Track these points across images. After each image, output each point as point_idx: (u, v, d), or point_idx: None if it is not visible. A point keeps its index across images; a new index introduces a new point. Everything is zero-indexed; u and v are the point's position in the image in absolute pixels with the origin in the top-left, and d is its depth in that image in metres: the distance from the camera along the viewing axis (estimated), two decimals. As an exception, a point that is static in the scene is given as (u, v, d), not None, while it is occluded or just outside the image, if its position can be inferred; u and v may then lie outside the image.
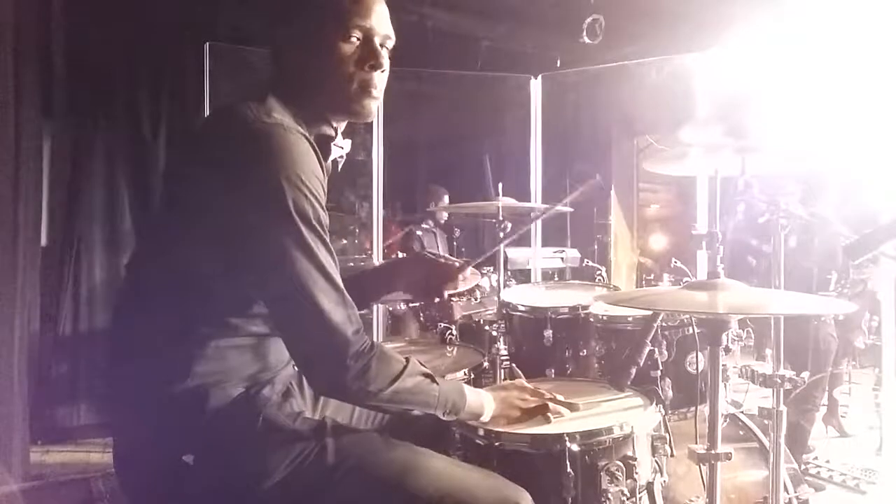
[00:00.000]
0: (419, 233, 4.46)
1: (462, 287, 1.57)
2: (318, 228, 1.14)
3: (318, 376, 1.18)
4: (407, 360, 1.24)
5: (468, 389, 1.37)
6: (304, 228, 1.11)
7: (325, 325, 1.12)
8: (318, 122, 1.29)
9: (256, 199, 1.11)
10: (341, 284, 1.16)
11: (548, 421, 1.44)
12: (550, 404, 1.46)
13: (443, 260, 1.59)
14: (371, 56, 1.24)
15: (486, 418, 1.39)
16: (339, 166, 1.36)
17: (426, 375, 1.26)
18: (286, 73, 1.28)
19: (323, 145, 1.29)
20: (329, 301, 1.13)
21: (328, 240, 1.16)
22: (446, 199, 4.49)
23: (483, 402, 1.39)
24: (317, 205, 1.14)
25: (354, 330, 1.15)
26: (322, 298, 1.12)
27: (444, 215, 4.40)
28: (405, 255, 2.19)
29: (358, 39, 1.24)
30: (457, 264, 1.56)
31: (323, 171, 1.21)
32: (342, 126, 1.34)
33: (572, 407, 1.49)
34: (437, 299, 1.56)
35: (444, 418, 1.30)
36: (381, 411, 1.32)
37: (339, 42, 1.23)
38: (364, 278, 1.63)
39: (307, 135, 1.21)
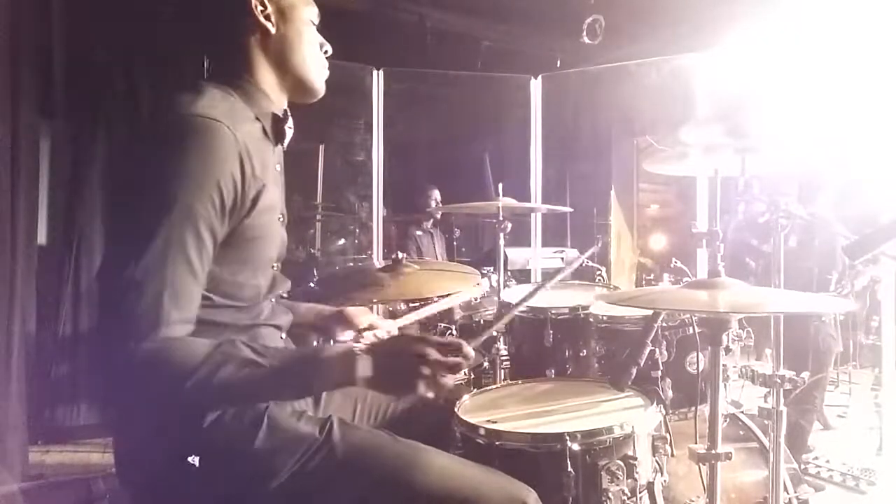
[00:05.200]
0: (419, 232, 4.45)
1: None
2: (203, 230, 1.10)
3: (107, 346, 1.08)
4: (219, 345, 1.09)
5: (324, 356, 1.18)
6: (188, 227, 1.08)
7: (138, 295, 1.04)
8: (266, 104, 1.31)
9: (150, 193, 1.09)
10: (193, 282, 1.09)
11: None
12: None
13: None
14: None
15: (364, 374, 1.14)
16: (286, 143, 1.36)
17: (247, 363, 1.09)
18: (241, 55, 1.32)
19: (276, 126, 1.31)
20: (162, 282, 1.05)
21: (209, 245, 1.12)
22: (437, 194, 4.48)
23: (346, 368, 1.14)
24: (210, 208, 1.10)
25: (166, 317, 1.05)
26: (157, 273, 1.05)
27: (438, 213, 4.40)
28: (405, 256, 2.17)
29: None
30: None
31: (246, 165, 1.16)
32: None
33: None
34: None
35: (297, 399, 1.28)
36: (194, 406, 1.15)
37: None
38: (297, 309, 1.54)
39: (245, 122, 1.22)
